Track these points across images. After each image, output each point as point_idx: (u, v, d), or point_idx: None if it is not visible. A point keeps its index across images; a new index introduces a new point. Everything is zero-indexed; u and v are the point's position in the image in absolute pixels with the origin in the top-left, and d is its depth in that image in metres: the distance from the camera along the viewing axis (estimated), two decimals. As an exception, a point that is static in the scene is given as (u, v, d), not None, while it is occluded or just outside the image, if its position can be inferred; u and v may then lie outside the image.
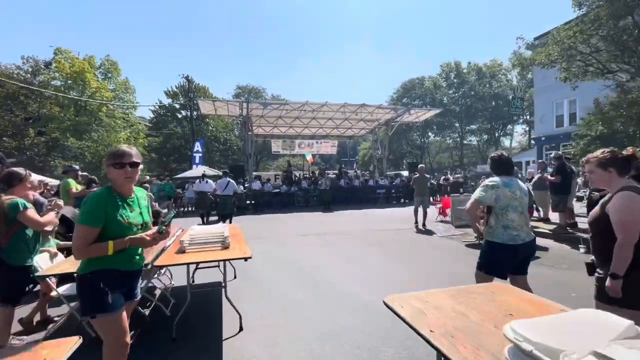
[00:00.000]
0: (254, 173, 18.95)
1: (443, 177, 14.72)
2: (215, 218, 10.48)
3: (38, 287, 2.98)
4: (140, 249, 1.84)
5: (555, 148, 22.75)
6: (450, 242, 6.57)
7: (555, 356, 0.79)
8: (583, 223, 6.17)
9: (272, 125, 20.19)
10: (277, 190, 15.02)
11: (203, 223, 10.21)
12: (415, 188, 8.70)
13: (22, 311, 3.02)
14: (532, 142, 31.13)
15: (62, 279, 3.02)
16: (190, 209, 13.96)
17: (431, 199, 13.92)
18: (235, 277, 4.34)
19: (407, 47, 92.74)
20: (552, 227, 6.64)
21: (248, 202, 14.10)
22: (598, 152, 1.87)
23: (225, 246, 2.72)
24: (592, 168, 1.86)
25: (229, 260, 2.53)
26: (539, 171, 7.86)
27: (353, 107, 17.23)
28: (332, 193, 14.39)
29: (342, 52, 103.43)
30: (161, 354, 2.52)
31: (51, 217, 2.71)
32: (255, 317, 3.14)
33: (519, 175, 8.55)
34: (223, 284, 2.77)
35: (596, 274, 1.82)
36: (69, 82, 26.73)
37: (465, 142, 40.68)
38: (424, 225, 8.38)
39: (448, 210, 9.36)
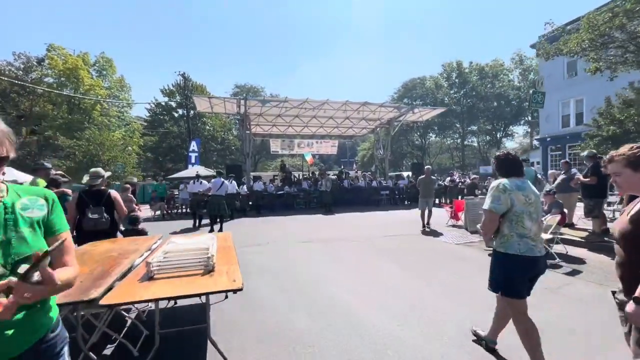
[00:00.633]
0: (252, 174, 18.26)
1: (449, 178, 14.01)
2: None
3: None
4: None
5: (561, 149, 22.18)
6: (470, 252, 5.87)
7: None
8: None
9: (271, 124, 19.48)
10: (281, 192, 14.41)
11: (195, 226, 9.69)
12: (420, 189, 8.52)
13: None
14: (536, 142, 30.64)
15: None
16: (184, 210, 13.24)
17: (437, 200, 13.40)
18: (226, 297, 3.63)
19: (408, 48, 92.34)
20: (583, 234, 5.96)
21: (250, 203, 13.58)
22: (625, 149, 1.46)
23: (208, 270, 2.02)
24: (619, 169, 1.44)
25: (210, 293, 1.81)
26: (563, 172, 7.25)
27: (355, 105, 16.54)
28: (333, 194, 13.74)
29: (343, 52, 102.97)
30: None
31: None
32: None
33: (538, 176, 7.90)
34: (206, 323, 2.05)
35: (616, 299, 1.42)
36: (62, 79, 25.95)
37: (465, 143, 40.09)
38: (428, 224, 8.31)
39: (461, 214, 8.69)
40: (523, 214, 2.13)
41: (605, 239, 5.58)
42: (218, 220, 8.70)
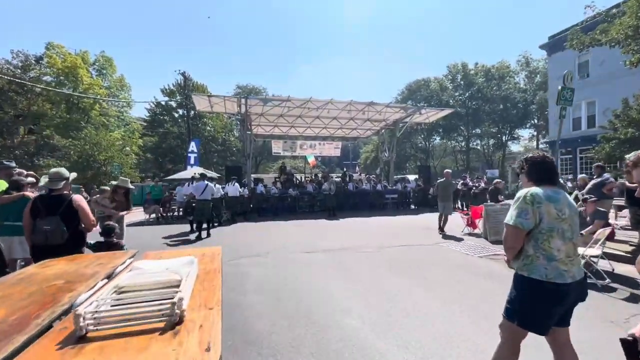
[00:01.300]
0: (253, 175, 17.60)
1: (461, 181, 13.28)
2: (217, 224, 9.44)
3: None
4: None
5: (571, 152, 21.42)
6: (498, 267, 5.13)
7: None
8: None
9: (273, 125, 18.86)
10: (285, 194, 13.78)
11: (192, 230, 9.06)
12: (439, 193, 8.34)
13: None
14: (545, 146, 29.86)
15: None
16: (181, 213, 12.55)
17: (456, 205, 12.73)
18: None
19: (410, 49, 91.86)
20: (626, 247, 5.24)
21: (251, 206, 13.05)
22: None
23: (172, 323, 1.33)
24: None
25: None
26: (595, 177, 6.55)
27: (360, 105, 15.88)
28: (338, 198, 13.06)
29: (344, 53, 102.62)
30: None
31: None
32: None
33: (560, 181, 7.18)
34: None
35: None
36: (61, 77, 25.42)
37: (470, 146, 39.31)
38: (442, 229, 8.17)
39: (478, 221, 7.98)
40: (553, 232, 1.71)
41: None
42: (205, 226, 8.22)
